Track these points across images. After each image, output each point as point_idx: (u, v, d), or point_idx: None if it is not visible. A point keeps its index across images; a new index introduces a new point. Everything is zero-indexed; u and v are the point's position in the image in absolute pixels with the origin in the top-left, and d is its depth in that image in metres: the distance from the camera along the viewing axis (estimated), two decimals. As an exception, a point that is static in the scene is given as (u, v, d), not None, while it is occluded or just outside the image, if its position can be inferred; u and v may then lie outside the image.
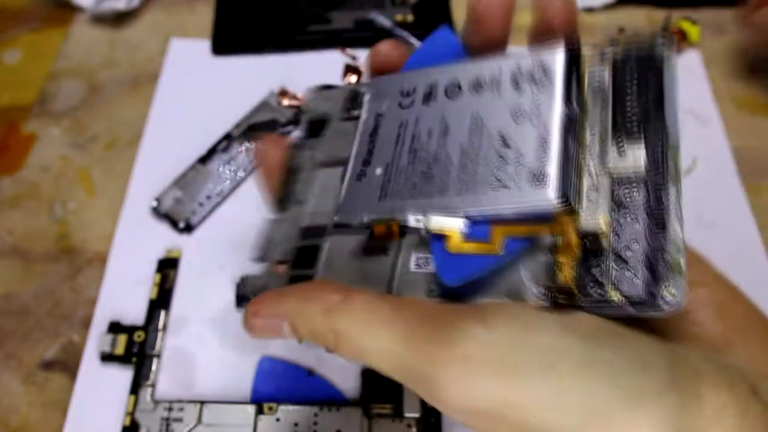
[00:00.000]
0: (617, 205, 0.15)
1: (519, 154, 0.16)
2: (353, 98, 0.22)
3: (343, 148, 0.20)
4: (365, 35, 0.41)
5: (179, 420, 0.27)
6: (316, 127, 0.22)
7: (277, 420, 0.27)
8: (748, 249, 0.33)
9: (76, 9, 0.43)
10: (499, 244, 0.16)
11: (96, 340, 0.30)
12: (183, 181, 0.34)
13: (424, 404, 0.27)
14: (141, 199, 0.34)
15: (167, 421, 0.27)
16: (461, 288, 0.16)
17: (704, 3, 0.42)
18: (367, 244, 0.19)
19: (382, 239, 0.18)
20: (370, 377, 0.28)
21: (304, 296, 0.17)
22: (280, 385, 0.29)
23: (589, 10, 0.43)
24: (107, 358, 0.29)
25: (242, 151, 0.36)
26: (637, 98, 0.16)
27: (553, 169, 0.15)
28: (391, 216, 0.18)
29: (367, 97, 0.21)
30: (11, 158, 0.37)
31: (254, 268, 0.23)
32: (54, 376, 0.29)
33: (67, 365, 0.30)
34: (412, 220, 0.17)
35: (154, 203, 0.34)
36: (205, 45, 0.41)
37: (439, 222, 0.17)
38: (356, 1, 0.43)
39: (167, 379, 0.29)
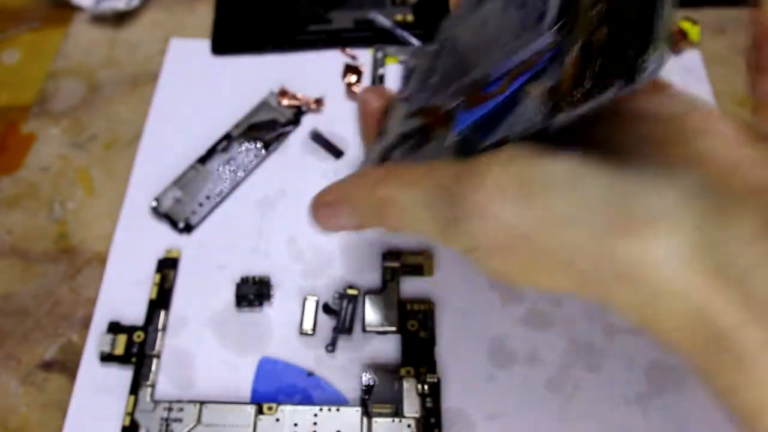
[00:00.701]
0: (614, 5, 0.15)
1: (535, 8, 0.16)
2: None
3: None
4: (365, 35, 0.41)
5: (179, 420, 0.27)
6: (408, 76, 0.25)
7: (277, 420, 0.27)
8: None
9: (75, 9, 0.43)
10: (506, 87, 0.16)
11: (95, 340, 0.30)
12: (182, 181, 0.34)
13: (423, 404, 0.27)
14: (140, 199, 0.34)
15: (167, 422, 0.27)
16: (476, 137, 0.17)
17: (704, 3, 0.42)
18: (420, 135, 0.20)
19: (432, 130, 0.20)
20: (370, 379, 0.28)
21: (355, 177, 0.20)
22: (280, 385, 0.29)
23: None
24: (107, 358, 0.29)
25: (242, 151, 0.36)
26: None
27: (553, 3, 0.15)
28: (431, 103, 0.19)
29: (438, 33, 0.22)
30: (10, 158, 0.37)
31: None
32: (53, 377, 0.29)
33: (67, 365, 0.29)
34: (443, 99, 0.19)
35: (154, 203, 0.34)
36: (204, 45, 0.41)
37: (463, 93, 0.18)
38: (356, 0, 0.43)
39: (167, 379, 0.29)
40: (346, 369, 0.29)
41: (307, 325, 0.30)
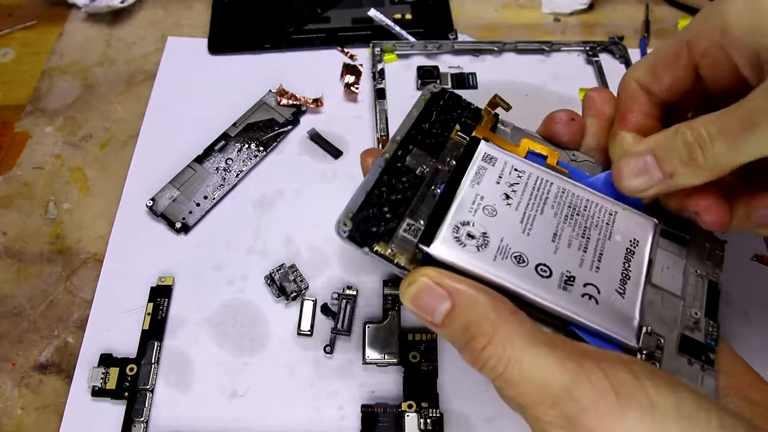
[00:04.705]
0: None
1: None
2: None
3: None
4: (364, 33, 0.41)
5: None
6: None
7: None
8: (751, 246, 0.33)
9: (70, 6, 0.43)
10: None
11: (91, 339, 0.29)
12: (179, 181, 0.34)
13: None
14: (137, 199, 0.34)
15: None
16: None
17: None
18: None
19: None
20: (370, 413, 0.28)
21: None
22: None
23: (557, 19, 0.43)
24: (98, 392, 0.28)
25: (240, 150, 0.35)
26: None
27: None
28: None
29: None
30: (4, 157, 0.36)
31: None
32: (48, 378, 0.29)
33: (62, 367, 0.29)
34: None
35: (150, 203, 0.33)
36: (202, 43, 0.41)
37: None
38: (354, -1, 0.43)
39: (164, 383, 0.29)
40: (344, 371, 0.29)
41: (305, 326, 0.30)
